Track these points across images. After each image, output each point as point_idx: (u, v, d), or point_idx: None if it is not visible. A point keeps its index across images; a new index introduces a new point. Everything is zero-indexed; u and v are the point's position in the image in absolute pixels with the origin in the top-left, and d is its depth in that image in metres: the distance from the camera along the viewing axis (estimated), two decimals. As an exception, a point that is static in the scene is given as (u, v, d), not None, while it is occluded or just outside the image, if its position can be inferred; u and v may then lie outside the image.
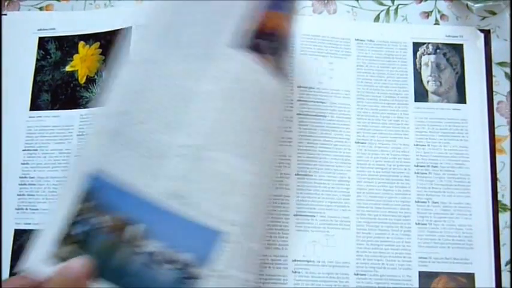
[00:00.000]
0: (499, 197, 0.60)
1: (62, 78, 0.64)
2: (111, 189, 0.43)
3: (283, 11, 0.49)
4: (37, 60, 0.64)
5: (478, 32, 0.65)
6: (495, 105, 0.63)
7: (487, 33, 0.65)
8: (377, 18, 0.67)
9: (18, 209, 0.60)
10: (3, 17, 0.66)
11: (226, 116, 0.45)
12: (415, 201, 0.60)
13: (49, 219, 0.44)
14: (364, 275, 0.57)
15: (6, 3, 0.67)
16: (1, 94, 0.63)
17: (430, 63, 0.64)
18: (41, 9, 0.67)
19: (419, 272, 0.58)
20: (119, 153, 0.44)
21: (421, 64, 0.64)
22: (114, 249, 0.42)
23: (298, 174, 0.60)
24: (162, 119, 0.44)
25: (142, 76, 0.46)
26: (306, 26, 0.64)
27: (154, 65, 0.46)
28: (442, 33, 0.65)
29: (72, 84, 0.63)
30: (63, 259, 0.42)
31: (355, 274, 0.57)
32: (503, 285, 0.57)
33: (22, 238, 0.59)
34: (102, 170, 0.43)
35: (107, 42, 0.64)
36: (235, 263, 0.44)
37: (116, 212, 0.43)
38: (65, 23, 0.66)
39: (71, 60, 0.64)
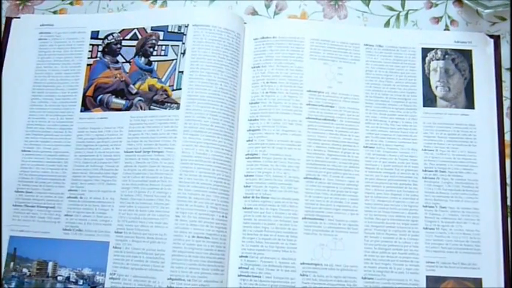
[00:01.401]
0: (509, 202, 0.58)
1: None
2: (27, 242, 0.58)
3: None
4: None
5: (488, 37, 0.63)
6: (505, 111, 0.61)
7: (496, 39, 0.63)
8: (387, 24, 0.65)
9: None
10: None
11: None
12: (423, 206, 0.58)
13: None
14: (372, 278, 0.56)
15: (20, 7, 0.67)
16: (1, 95, 0.63)
17: (438, 69, 0.62)
18: (54, 12, 0.67)
19: (427, 277, 0.56)
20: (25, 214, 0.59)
21: (429, 69, 0.62)
22: (43, 285, 0.57)
23: (306, 178, 0.58)
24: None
25: None
26: (316, 31, 0.63)
27: None
28: (450, 39, 0.63)
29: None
30: None
31: (362, 278, 0.56)
32: (512, 290, 0.56)
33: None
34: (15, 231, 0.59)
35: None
36: (120, 264, 0.56)
37: (36, 257, 0.58)
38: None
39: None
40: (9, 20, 0.65)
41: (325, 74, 0.62)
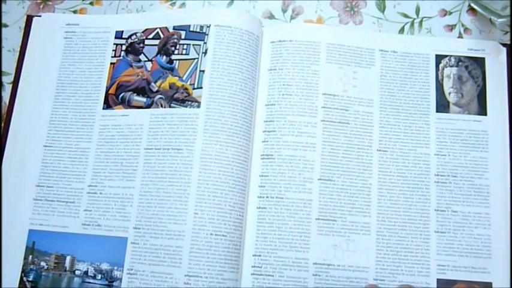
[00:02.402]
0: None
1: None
2: (45, 236, 0.58)
3: None
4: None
5: (500, 46, 0.62)
6: (516, 118, 0.60)
7: (509, 47, 0.62)
8: (402, 30, 0.64)
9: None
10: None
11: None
12: (435, 210, 0.57)
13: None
14: (383, 280, 0.55)
15: (41, 6, 0.67)
16: (16, 91, 0.63)
17: (452, 75, 0.62)
18: (74, 12, 0.67)
19: (438, 280, 0.55)
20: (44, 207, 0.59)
21: (443, 76, 0.62)
22: (61, 279, 0.57)
23: (320, 179, 0.58)
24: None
25: None
26: (332, 36, 0.62)
27: None
28: (464, 47, 0.63)
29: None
30: None
31: (374, 279, 0.55)
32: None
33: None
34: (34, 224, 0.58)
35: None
36: (137, 260, 0.55)
37: (55, 251, 0.57)
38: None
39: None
40: (30, 18, 0.65)
41: (341, 78, 0.61)
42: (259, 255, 0.56)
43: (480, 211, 0.58)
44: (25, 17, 0.66)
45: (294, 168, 0.58)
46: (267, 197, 0.57)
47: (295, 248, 0.56)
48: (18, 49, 0.64)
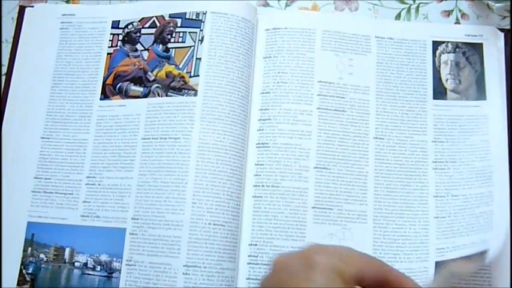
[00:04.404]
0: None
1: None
2: (44, 228, 0.58)
3: None
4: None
5: (498, 31, 0.61)
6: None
7: (507, 33, 0.61)
8: (398, 16, 0.63)
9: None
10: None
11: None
12: (434, 196, 0.57)
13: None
14: (381, 268, 0.57)
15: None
16: (10, 81, 0.62)
17: (449, 62, 0.61)
18: (67, 2, 0.66)
19: (436, 262, 0.55)
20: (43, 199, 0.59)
21: (440, 62, 0.61)
22: (60, 271, 0.57)
23: (316, 168, 0.57)
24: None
25: None
26: (328, 22, 0.62)
27: None
28: (461, 32, 0.62)
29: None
30: None
31: (371, 267, 0.56)
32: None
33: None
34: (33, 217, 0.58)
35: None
36: (136, 251, 0.55)
37: (54, 243, 0.58)
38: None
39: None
40: (22, 9, 0.64)
41: (336, 65, 0.61)
42: (255, 245, 0.56)
43: (483, 191, 0.57)
44: (17, 7, 0.65)
45: (289, 156, 0.58)
46: (263, 186, 0.57)
47: (291, 237, 0.56)
48: (11, 40, 0.64)
